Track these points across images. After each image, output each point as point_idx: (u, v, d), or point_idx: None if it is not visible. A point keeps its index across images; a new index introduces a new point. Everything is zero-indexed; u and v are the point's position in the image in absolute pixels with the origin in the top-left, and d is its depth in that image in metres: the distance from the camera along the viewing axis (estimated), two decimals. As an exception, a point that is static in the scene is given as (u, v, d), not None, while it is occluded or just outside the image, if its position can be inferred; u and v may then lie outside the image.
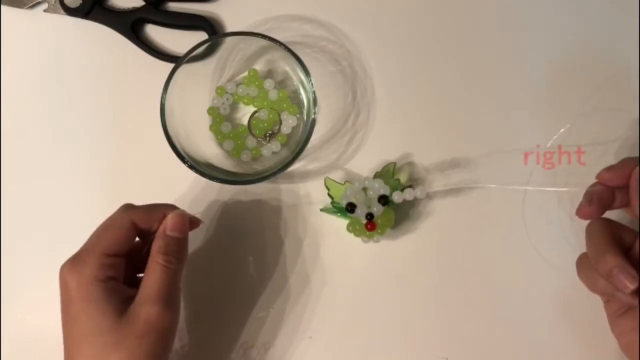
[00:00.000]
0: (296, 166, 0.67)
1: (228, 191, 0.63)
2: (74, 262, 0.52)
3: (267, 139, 0.67)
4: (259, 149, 0.67)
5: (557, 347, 0.63)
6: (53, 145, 0.69)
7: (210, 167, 0.65)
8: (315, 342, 0.65)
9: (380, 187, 0.62)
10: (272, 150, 0.66)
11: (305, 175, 0.67)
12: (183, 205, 0.66)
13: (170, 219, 0.55)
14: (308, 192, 0.67)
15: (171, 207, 0.57)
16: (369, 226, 0.62)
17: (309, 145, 0.62)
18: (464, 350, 0.64)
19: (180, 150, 0.62)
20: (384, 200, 0.62)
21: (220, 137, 0.67)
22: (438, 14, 0.70)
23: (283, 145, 0.67)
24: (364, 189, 0.63)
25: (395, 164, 0.64)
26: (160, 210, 0.55)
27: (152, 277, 0.53)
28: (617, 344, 0.55)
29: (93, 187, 0.68)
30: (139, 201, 0.67)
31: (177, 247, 0.55)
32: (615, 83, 0.68)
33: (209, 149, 0.67)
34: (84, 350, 0.51)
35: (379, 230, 0.62)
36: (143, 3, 0.69)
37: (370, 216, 0.62)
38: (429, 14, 0.70)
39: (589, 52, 0.68)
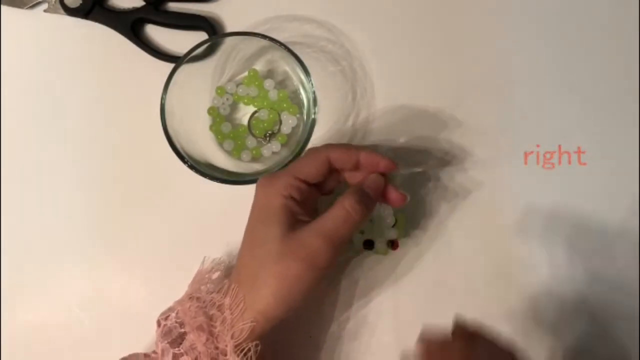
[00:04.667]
0: (296, 166, 0.67)
1: (228, 191, 0.63)
2: (269, 177, 0.57)
3: (267, 139, 0.67)
4: (259, 149, 0.67)
5: (557, 347, 0.64)
6: (53, 145, 0.69)
7: (210, 167, 0.65)
8: (315, 341, 0.65)
9: (384, 211, 0.64)
10: (272, 150, 0.67)
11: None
12: (183, 206, 0.67)
13: (371, 179, 0.58)
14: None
15: (366, 152, 0.57)
16: (394, 248, 0.65)
17: (309, 145, 0.62)
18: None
19: (181, 150, 0.62)
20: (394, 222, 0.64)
21: (220, 137, 0.67)
22: (438, 13, 0.70)
23: (283, 145, 0.67)
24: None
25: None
26: (356, 153, 0.57)
27: (332, 216, 0.55)
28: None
29: (93, 187, 0.68)
30: (138, 200, 0.68)
31: (366, 202, 0.56)
32: (617, 82, 0.68)
33: (209, 149, 0.67)
34: (251, 250, 0.56)
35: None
36: (143, 3, 0.69)
37: (392, 243, 0.64)
38: (429, 13, 0.70)
39: (590, 52, 0.69)
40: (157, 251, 0.67)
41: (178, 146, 0.62)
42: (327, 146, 0.58)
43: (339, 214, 0.55)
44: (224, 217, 0.67)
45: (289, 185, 0.55)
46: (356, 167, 0.58)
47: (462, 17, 0.69)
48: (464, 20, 0.69)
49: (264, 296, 0.54)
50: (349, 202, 0.55)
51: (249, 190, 0.63)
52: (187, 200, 0.68)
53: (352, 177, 0.59)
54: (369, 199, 0.56)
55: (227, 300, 0.55)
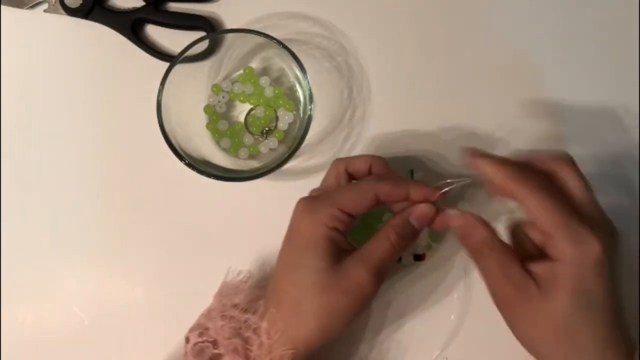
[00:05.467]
0: (294, 163, 0.67)
1: (226, 188, 0.63)
2: (311, 204, 0.56)
3: (264, 135, 0.67)
4: (256, 146, 0.67)
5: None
6: (52, 145, 0.69)
7: (208, 165, 0.65)
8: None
9: None
10: (269, 146, 0.66)
11: (303, 172, 0.67)
12: (182, 204, 0.67)
13: (419, 209, 0.56)
14: (306, 189, 0.66)
15: (415, 186, 0.56)
16: (422, 259, 0.64)
17: (307, 141, 0.62)
18: (464, 351, 0.64)
19: (178, 149, 0.62)
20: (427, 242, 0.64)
21: (217, 135, 0.67)
22: (435, 8, 0.69)
23: (280, 141, 0.67)
24: None
25: None
26: (405, 187, 0.56)
27: (377, 247, 0.55)
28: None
29: (92, 187, 0.68)
30: (137, 199, 0.68)
31: (410, 234, 0.56)
32: (617, 82, 0.68)
33: (206, 147, 0.67)
34: (294, 279, 0.55)
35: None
36: (143, 3, 0.70)
37: (418, 257, 0.63)
38: (426, 9, 0.70)
39: (591, 52, 0.68)
40: (156, 250, 0.67)
41: (175, 145, 0.62)
42: (375, 182, 0.56)
43: (384, 246, 0.55)
44: (222, 214, 0.67)
45: (334, 217, 0.54)
46: (404, 199, 0.56)
47: (461, 13, 0.69)
48: (462, 15, 0.69)
49: (307, 327, 0.54)
50: (394, 236, 0.55)
51: (247, 187, 0.63)
52: (185, 198, 0.68)
53: (399, 207, 0.58)
54: (413, 231, 0.56)
55: (264, 324, 0.55)
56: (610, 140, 0.67)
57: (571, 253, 0.49)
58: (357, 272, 0.53)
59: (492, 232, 0.53)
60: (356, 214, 0.55)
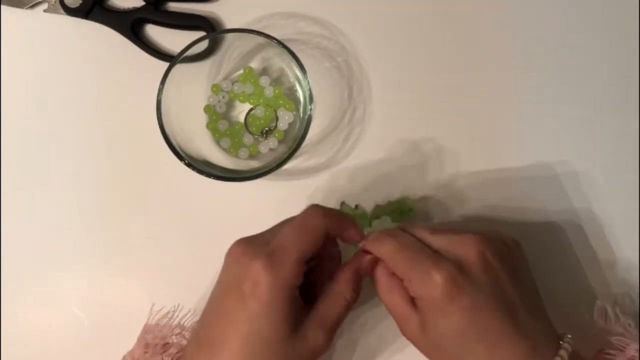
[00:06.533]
0: (294, 163, 0.67)
1: (226, 188, 0.63)
2: (272, 261, 0.50)
3: (264, 135, 0.67)
4: (256, 145, 0.67)
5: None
6: (52, 145, 0.69)
7: (207, 164, 0.65)
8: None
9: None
10: (269, 147, 0.66)
11: (303, 172, 0.67)
12: (181, 204, 0.68)
13: (367, 261, 0.55)
14: (306, 189, 0.67)
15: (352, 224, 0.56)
16: None
17: (307, 141, 0.62)
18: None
19: (178, 149, 0.62)
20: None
21: (217, 135, 0.67)
22: (434, 9, 0.69)
23: (280, 141, 0.67)
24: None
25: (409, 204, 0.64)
26: (348, 220, 0.56)
27: (333, 307, 0.53)
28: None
29: (92, 187, 0.68)
30: (136, 200, 0.68)
31: (360, 286, 0.55)
32: (617, 81, 0.68)
33: (206, 147, 0.67)
34: (247, 348, 0.50)
35: None
36: (143, 3, 0.70)
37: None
38: (425, 9, 0.70)
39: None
40: (156, 250, 0.67)
41: (175, 145, 0.62)
42: (325, 216, 0.54)
43: (340, 305, 0.54)
44: (222, 214, 0.67)
45: (297, 273, 0.51)
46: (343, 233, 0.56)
47: (461, 13, 0.69)
48: (462, 16, 0.69)
49: None
50: (348, 292, 0.54)
51: (247, 187, 0.63)
52: (185, 198, 0.68)
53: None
54: (362, 281, 0.56)
55: None
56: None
57: (424, 293, 0.50)
58: (316, 336, 0.52)
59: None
60: (312, 256, 0.53)
